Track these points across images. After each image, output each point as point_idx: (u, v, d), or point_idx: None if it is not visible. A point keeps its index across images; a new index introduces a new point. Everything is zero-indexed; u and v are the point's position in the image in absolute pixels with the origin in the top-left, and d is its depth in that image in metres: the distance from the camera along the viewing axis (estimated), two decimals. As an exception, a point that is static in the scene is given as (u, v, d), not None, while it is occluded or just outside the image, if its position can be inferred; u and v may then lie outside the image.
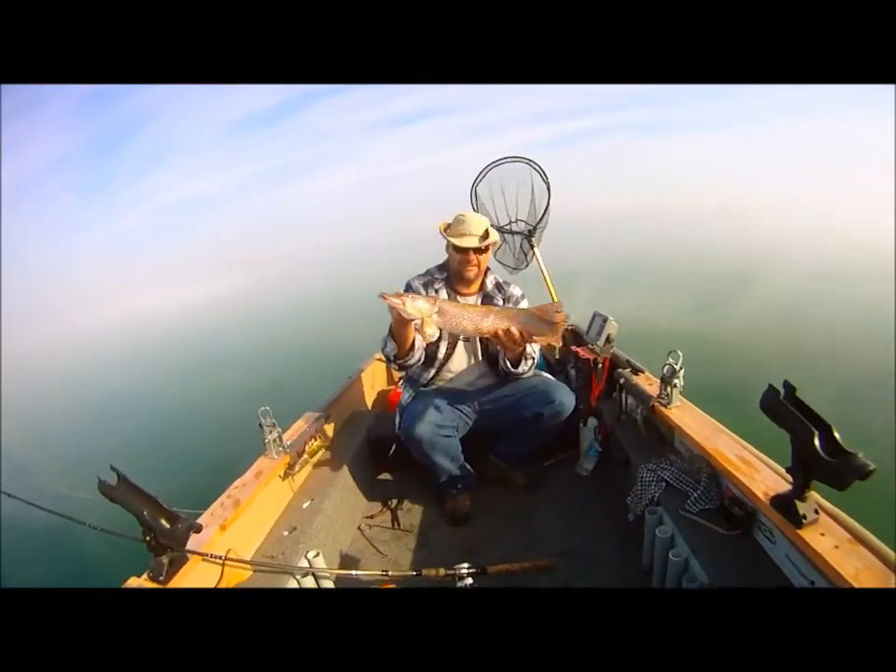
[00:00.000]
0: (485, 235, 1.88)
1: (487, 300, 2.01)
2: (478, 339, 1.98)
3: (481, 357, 2.02)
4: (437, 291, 1.99)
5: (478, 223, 1.90)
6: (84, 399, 12.73)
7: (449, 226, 1.95)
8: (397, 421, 2.06)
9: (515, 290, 2.06)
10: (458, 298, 2.00)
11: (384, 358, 1.97)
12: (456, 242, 1.88)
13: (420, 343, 1.84)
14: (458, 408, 2.00)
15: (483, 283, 2.03)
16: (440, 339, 1.93)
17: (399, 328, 1.73)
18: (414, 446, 1.90)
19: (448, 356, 1.99)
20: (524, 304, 2.03)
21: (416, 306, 1.52)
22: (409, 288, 2.02)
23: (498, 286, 2.06)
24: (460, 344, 2.01)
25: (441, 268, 2.06)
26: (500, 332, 1.54)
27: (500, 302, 2.01)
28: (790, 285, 9.31)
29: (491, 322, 1.55)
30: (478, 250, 1.89)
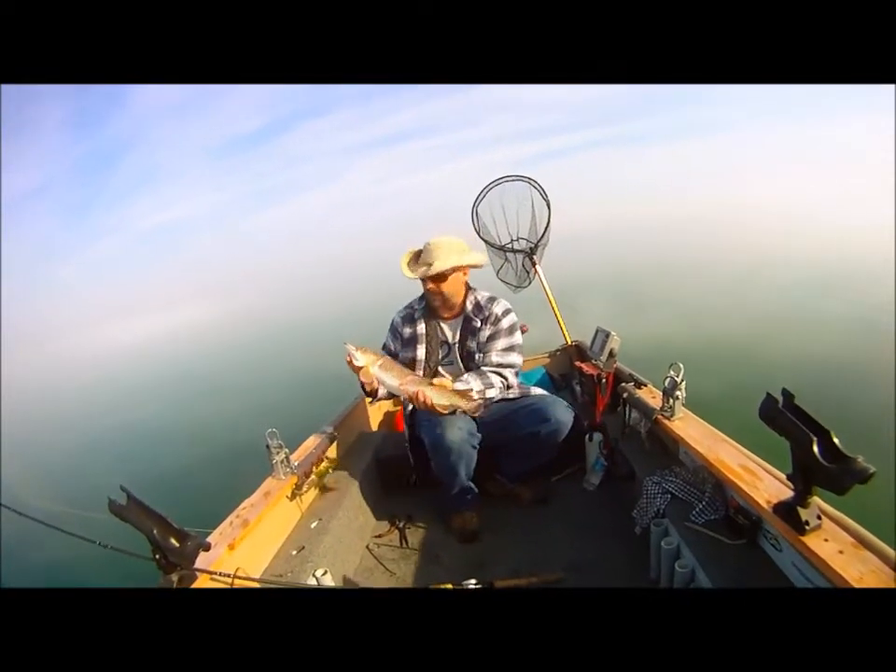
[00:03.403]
0: (442, 263, 1.90)
1: (467, 322, 2.02)
2: (459, 361, 2.04)
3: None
4: (416, 322, 2.06)
5: (434, 250, 1.92)
6: (75, 424, 12.78)
7: (420, 253, 2.01)
8: (407, 433, 2.11)
9: (497, 308, 2.01)
10: (440, 323, 2.05)
11: None
12: (405, 272, 1.98)
13: (383, 393, 1.96)
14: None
15: (463, 305, 2.03)
16: (415, 361, 2.03)
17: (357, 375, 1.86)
18: (442, 453, 1.87)
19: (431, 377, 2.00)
20: (506, 321, 2.00)
21: (363, 357, 1.82)
22: (392, 325, 2.13)
23: (478, 306, 2.02)
24: (440, 369, 2.05)
25: (422, 298, 2.10)
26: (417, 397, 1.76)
27: (478, 323, 2.00)
28: (784, 289, 9.37)
29: (409, 385, 1.81)
30: (435, 278, 1.91)
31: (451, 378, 1.95)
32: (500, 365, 1.97)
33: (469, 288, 2.05)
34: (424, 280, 1.94)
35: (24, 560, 4.12)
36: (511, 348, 2.01)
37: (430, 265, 1.89)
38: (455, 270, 1.93)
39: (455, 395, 1.79)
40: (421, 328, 2.05)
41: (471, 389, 1.84)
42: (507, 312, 2.03)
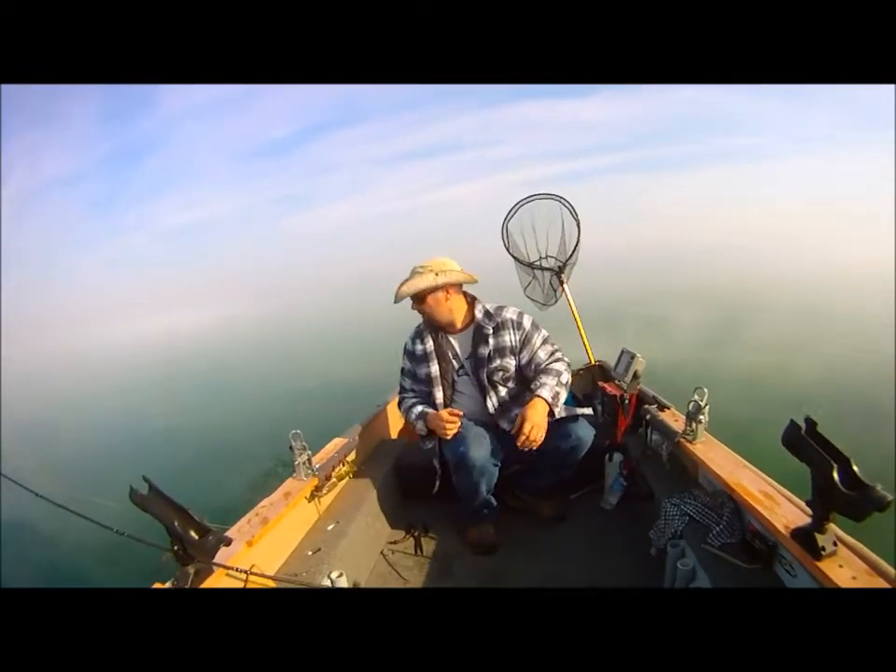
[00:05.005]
0: (406, 289, 1.93)
1: (479, 330, 2.00)
2: (470, 372, 2.04)
3: (491, 399, 2.02)
4: (425, 339, 2.06)
5: (410, 275, 1.96)
6: (88, 417, 13.02)
7: None
8: (436, 444, 2.06)
9: (509, 314, 2.02)
10: (448, 337, 2.06)
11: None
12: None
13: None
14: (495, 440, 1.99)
15: (472, 317, 2.02)
16: (433, 386, 2.05)
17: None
18: (464, 471, 1.88)
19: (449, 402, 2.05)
20: (526, 321, 2.01)
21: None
22: (405, 347, 2.16)
23: (488, 314, 2.01)
24: (464, 389, 2.07)
25: None
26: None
27: (489, 330, 1.98)
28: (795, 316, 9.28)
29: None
30: (414, 300, 1.96)
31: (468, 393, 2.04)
32: (552, 354, 2.01)
33: (473, 300, 2.04)
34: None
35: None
36: (546, 340, 2.03)
37: (397, 292, 1.94)
38: (421, 293, 1.94)
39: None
40: (429, 344, 2.05)
41: (556, 386, 1.89)
42: (521, 314, 2.04)
